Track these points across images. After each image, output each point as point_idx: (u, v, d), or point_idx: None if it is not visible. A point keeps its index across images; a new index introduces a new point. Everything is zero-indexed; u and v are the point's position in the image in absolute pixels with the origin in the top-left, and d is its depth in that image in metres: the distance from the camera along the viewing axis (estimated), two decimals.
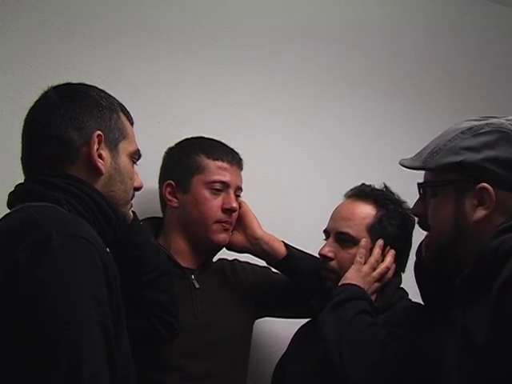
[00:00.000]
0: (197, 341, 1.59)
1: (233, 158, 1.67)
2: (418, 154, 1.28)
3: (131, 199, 1.30)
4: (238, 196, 1.69)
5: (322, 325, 1.46)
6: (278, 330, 1.94)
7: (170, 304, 1.42)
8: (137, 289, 1.38)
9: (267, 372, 1.81)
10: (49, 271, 0.96)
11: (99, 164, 1.18)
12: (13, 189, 1.20)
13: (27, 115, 1.23)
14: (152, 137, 1.83)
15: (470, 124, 1.22)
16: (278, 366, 1.72)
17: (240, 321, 1.70)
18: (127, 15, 1.92)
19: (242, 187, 1.71)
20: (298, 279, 1.70)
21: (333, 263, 1.59)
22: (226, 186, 1.64)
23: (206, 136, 1.73)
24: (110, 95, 1.28)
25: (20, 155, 1.23)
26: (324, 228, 1.65)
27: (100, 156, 1.19)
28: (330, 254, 1.59)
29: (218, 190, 1.63)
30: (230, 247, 1.71)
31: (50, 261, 0.96)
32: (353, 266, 1.54)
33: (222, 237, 1.65)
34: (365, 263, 1.54)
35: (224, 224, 1.64)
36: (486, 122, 1.21)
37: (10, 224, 1.07)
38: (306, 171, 2.14)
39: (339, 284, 1.52)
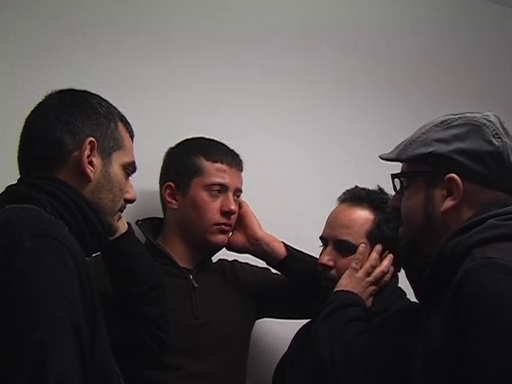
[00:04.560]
0: (196, 340, 1.59)
1: (232, 160, 1.67)
2: (397, 146, 1.30)
3: (120, 210, 1.30)
4: (237, 197, 1.69)
5: (315, 335, 1.46)
6: (278, 330, 1.94)
7: (160, 318, 1.42)
8: (127, 300, 1.39)
9: (267, 372, 1.81)
10: (18, 272, 0.96)
11: (88, 170, 1.19)
12: None
13: (28, 116, 1.24)
14: (152, 137, 1.84)
15: (445, 118, 1.24)
16: (278, 367, 1.72)
17: (239, 320, 1.70)
18: (127, 15, 1.92)
19: (242, 189, 1.71)
20: (297, 280, 1.70)
21: (333, 272, 1.58)
22: (224, 188, 1.64)
23: (206, 137, 1.73)
24: (111, 105, 1.28)
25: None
26: (320, 235, 1.63)
27: (91, 163, 1.19)
28: (330, 263, 1.58)
29: (216, 192, 1.63)
30: (230, 247, 1.71)
31: (19, 261, 0.97)
32: (347, 272, 1.53)
33: (221, 238, 1.65)
34: (361, 268, 1.54)
35: (223, 226, 1.64)
36: (460, 115, 1.22)
37: None
38: (307, 171, 2.14)
39: (333, 291, 1.51)
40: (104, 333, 1.10)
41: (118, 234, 1.36)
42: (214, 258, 1.77)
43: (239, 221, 1.70)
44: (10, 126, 1.68)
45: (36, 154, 1.19)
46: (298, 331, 1.73)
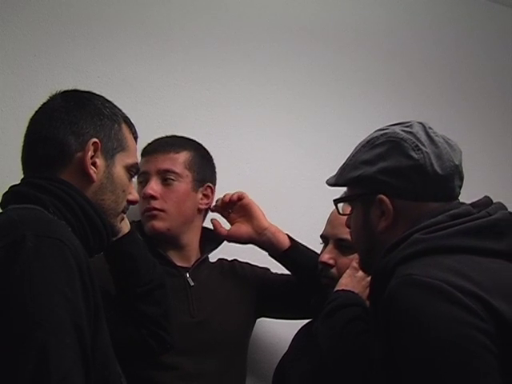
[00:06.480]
0: (193, 339, 1.59)
1: (149, 149, 1.69)
2: (338, 169, 1.32)
3: (123, 212, 1.30)
4: (171, 180, 1.65)
5: (315, 334, 1.46)
6: (278, 330, 1.94)
7: (162, 317, 1.42)
8: (130, 300, 1.39)
9: (267, 372, 1.81)
10: (20, 271, 0.96)
11: (91, 171, 1.19)
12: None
13: (32, 116, 1.24)
14: (152, 137, 1.83)
15: (371, 136, 1.26)
16: (278, 367, 1.72)
17: (237, 319, 1.70)
18: (127, 15, 1.92)
19: (171, 168, 1.65)
20: (299, 273, 1.70)
21: (333, 270, 1.57)
22: (145, 175, 1.65)
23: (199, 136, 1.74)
24: (115, 106, 1.29)
25: (19, 155, 1.23)
26: (321, 233, 1.63)
27: (94, 164, 1.20)
28: (331, 261, 1.57)
29: (139, 182, 1.66)
30: (233, 239, 1.72)
31: (21, 261, 0.96)
32: (347, 271, 1.53)
33: (149, 225, 1.63)
34: None
35: (145, 213, 1.64)
36: (383, 132, 1.24)
37: None
38: (306, 171, 2.14)
39: (334, 290, 1.51)
40: (106, 333, 1.10)
41: (120, 235, 1.36)
42: (214, 258, 1.77)
43: (244, 212, 1.71)
44: (10, 125, 1.68)
45: (39, 155, 1.20)
46: (298, 331, 1.73)
